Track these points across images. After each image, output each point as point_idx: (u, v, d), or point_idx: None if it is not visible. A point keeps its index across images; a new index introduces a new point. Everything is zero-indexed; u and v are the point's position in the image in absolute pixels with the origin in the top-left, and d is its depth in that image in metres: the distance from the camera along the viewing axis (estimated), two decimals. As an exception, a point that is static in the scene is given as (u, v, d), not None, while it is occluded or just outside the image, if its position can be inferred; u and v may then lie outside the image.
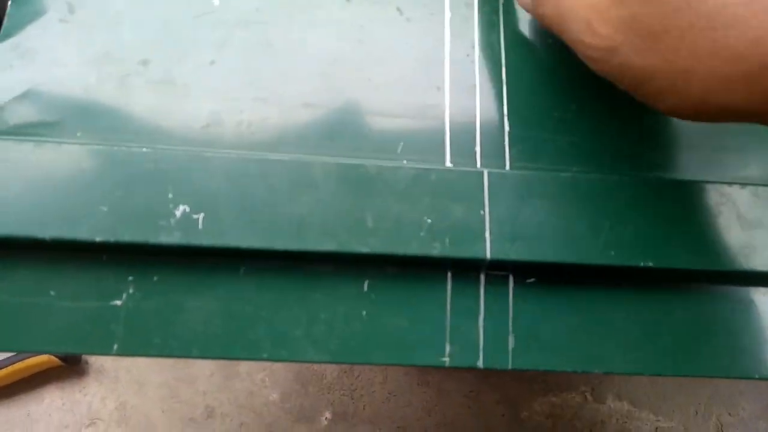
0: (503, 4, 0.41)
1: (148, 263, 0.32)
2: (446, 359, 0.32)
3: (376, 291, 0.33)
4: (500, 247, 0.33)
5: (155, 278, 0.32)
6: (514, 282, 0.33)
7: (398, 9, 0.40)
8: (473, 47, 0.40)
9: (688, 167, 0.38)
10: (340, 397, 0.63)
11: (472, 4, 0.41)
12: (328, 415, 0.62)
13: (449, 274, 0.33)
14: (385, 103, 0.37)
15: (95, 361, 0.67)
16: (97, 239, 0.31)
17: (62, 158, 0.32)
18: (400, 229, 0.32)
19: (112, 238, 0.31)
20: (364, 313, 0.32)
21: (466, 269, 0.33)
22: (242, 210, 0.32)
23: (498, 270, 0.33)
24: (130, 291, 0.32)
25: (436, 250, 0.32)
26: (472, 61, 0.39)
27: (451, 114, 0.38)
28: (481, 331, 0.32)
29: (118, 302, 0.32)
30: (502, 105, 0.38)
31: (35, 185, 0.32)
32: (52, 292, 0.32)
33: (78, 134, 0.34)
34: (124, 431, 0.63)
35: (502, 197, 0.34)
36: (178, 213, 0.32)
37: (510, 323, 0.33)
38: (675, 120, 0.39)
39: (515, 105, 0.38)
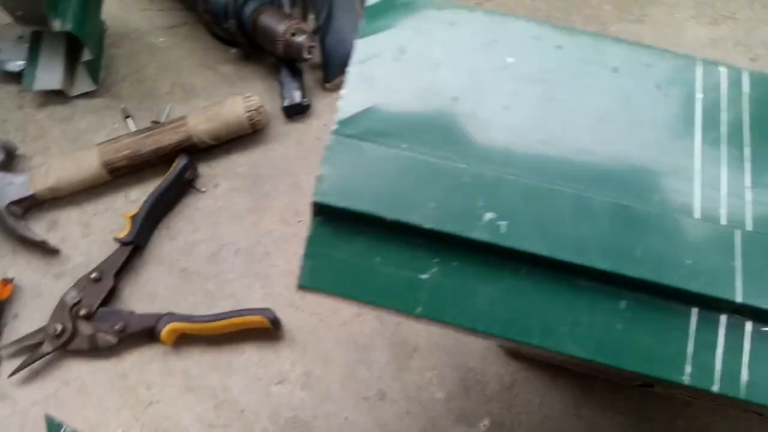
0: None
1: (453, 251, 0.41)
2: (686, 378, 0.38)
3: (632, 310, 0.40)
4: (750, 293, 0.39)
5: (455, 263, 0.41)
6: (753, 326, 0.39)
7: (657, 85, 0.48)
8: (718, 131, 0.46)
9: None
10: (498, 409, 0.70)
11: (718, 87, 0.48)
12: (486, 422, 0.69)
13: (696, 309, 0.40)
14: (643, 156, 0.45)
15: (290, 331, 0.78)
16: (425, 226, 0.41)
17: (399, 162, 0.43)
18: (662, 263, 0.40)
19: (436, 227, 0.41)
20: (619, 326, 0.40)
21: (713, 308, 0.39)
22: (536, 224, 0.41)
23: (739, 314, 0.39)
24: (434, 270, 0.41)
25: (692, 286, 0.39)
26: (718, 144, 0.46)
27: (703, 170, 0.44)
28: (718, 362, 0.39)
29: (426, 276, 0.41)
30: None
31: (380, 178, 0.42)
32: (378, 258, 0.42)
33: (403, 146, 0.45)
34: (307, 394, 0.74)
35: (753, 255, 0.40)
36: (486, 218, 0.41)
37: (745, 359, 0.39)
38: None
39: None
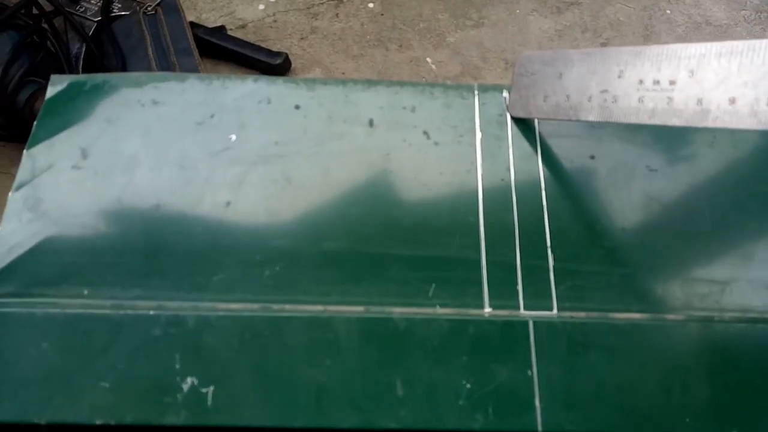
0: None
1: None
2: None
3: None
4: (553, 418, 0.28)
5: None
6: (573, 460, 0.29)
7: (425, 133, 0.38)
8: (509, 170, 0.36)
9: (766, 302, 0.33)
10: None
11: (505, 122, 0.38)
12: None
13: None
14: (413, 240, 0.34)
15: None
16: (97, 422, 0.28)
17: (66, 327, 0.30)
18: (434, 397, 0.28)
19: (112, 421, 0.28)
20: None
21: (514, 447, 0.28)
22: (256, 379, 0.28)
23: (552, 446, 0.29)
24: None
25: (477, 423, 0.28)
26: (509, 186, 0.36)
27: (487, 247, 0.34)
28: None
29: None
30: (544, 235, 0.34)
31: (37, 358, 0.29)
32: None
33: (85, 292, 0.32)
34: None
35: (551, 352, 0.30)
36: (185, 386, 0.28)
37: None
38: (756, 248, 0.34)
39: (558, 234, 0.34)
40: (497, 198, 0.35)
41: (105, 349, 0.29)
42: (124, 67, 0.87)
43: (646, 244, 0.34)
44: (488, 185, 0.36)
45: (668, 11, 1.03)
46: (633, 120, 0.28)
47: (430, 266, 0.33)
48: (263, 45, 0.95)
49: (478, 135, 0.37)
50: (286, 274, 0.33)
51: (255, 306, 0.32)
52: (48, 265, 0.33)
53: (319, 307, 0.32)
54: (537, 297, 0.33)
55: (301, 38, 0.97)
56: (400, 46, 0.95)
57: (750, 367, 0.30)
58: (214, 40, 0.96)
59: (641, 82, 0.27)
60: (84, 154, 0.36)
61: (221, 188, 0.35)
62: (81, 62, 0.92)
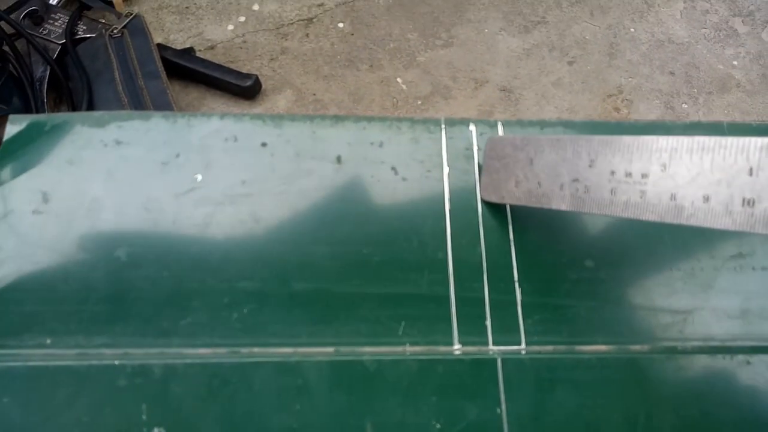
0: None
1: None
2: None
3: None
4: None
5: None
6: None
7: (393, 168, 0.38)
8: (476, 204, 0.37)
9: (728, 330, 0.34)
10: None
11: (471, 156, 0.38)
12: None
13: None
14: (382, 277, 0.34)
15: None
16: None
17: (29, 380, 0.29)
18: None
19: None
20: None
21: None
22: (225, 428, 0.28)
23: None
24: None
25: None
26: (476, 220, 0.36)
27: (456, 283, 0.34)
28: None
29: None
30: (512, 269, 0.35)
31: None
32: None
33: (48, 341, 0.31)
34: None
35: (520, 389, 0.30)
36: (152, 441, 0.28)
37: None
38: (717, 277, 0.35)
39: (525, 268, 0.35)
40: (465, 233, 0.36)
41: (69, 402, 0.29)
42: (89, 91, 0.85)
43: (611, 276, 0.35)
44: (456, 220, 0.36)
45: (632, 29, 1.06)
46: (607, 212, 0.27)
47: (400, 304, 0.33)
48: (233, 66, 0.94)
49: (446, 169, 0.38)
50: (254, 316, 0.32)
51: (223, 351, 0.31)
52: (9, 314, 0.32)
53: (289, 350, 0.31)
54: (505, 332, 0.33)
55: (271, 59, 0.96)
56: (371, 66, 0.95)
57: (712, 397, 0.31)
58: (182, 62, 0.96)
59: (613, 173, 0.27)
60: (45, 198, 0.35)
61: (187, 230, 0.35)
62: (45, 86, 0.90)
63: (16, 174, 0.36)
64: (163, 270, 0.34)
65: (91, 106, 0.83)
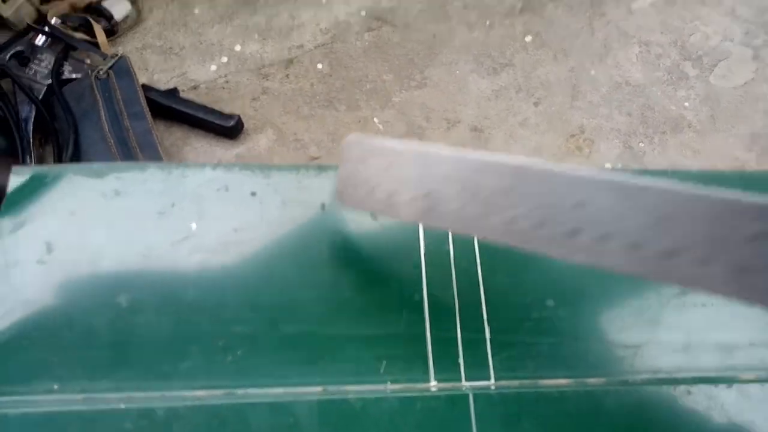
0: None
1: None
2: None
3: None
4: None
5: None
6: None
7: (372, 216, 0.41)
8: (448, 248, 0.40)
9: (673, 362, 0.38)
10: None
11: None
12: None
13: None
14: (363, 319, 0.37)
15: None
16: None
17: (40, 427, 0.31)
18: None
19: None
20: None
21: None
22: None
23: None
24: None
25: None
26: (449, 263, 0.40)
27: (431, 323, 0.38)
28: None
29: None
30: (481, 309, 0.38)
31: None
32: None
33: (55, 387, 0.33)
34: None
35: (490, 423, 0.33)
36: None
37: None
38: (663, 314, 0.39)
39: (493, 308, 0.38)
40: (439, 276, 0.39)
41: (75, 444, 0.31)
42: (76, 132, 0.87)
43: (570, 314, 0.39)
44: (430, 264, 0.40)
45: (592, 72, 1.13)
46: (454, 228, 0.28)
47: (381, 343, 0.37)
48: (216, 106, 0.98)
49: (421, 217, 0.42)
50: (247, 358, 0.35)
51: (219, 392, 0.34)
52: (17, 362, 0.34)
53: (280, 390, 0.34)
54: (477, 368, 0.36)
55: (253, 99, 1.00)
56: (349, 106, 1.00)
57: (659, 424, 0.35)
58: (167, 103, 0.99)
59: (463, 188, 0.27)
60: (49, 248, 0.38)
61: (184, 277, 0.38)
62: (31, 126, 0.92)
63: (20, 225, 0.39)
64: (162, 315, 0.36)
65: (77, 147, 0.85)
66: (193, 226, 0.40)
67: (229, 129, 0.96)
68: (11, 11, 1.14)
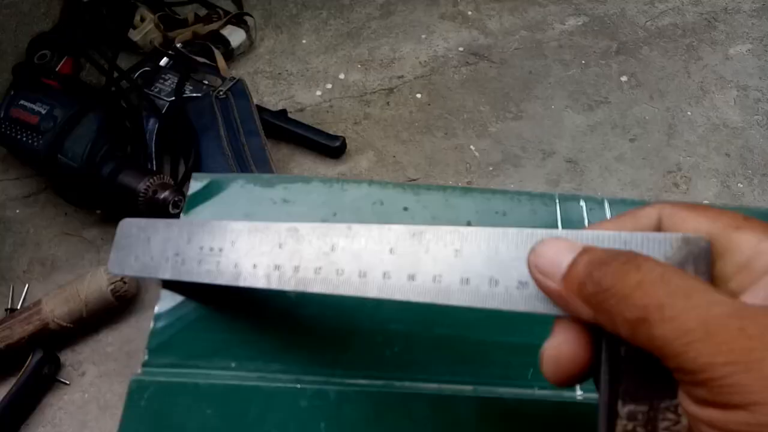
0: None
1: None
2: None
3: None
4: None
5: None
6: None
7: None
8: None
9: None
10: None
11: (583, 226, 0.44)
12: None
13: None
14: (511, 328, 0.40)
15: None
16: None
17: (226, 396, 0.35)
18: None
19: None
20: None
21: None
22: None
23: None
24: None
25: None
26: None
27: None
28: None
29: None
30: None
31: (202, 422, 0.34)
32: None
33: (233, 365, 0.37)
34: None
35: None
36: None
37: None
38: None
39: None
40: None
41: (261, 417, 0.35)
42: (197, 144, 0.95)
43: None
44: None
45: (689, 113, 1.12)
46: (196, 279, 0.35)
47: (528, 353, 0.39)
48: (320, 128, 1.04)
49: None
50: (403, 354, 0.38)
51: (380, 383, 0.37)
52: (201, 340, 0.38)
53: (434, 386, 0.37)
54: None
55: (355, 123, 1.06)
56: (446, 133, 1.04)
57: None
58: (278, 122, 1.06)
59: (201, 248, 0.35)
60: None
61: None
62: (154, 137, 1.01)
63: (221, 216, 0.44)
64: (326, 310, 0.40)
65: (197, 158, 0.93)
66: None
67: (333, 149, 1.02)
68: (140, 36, 1.26)
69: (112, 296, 0.78)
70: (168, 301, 0.40)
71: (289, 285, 0.31)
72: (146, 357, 0.38)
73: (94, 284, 0.77)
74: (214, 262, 0.34)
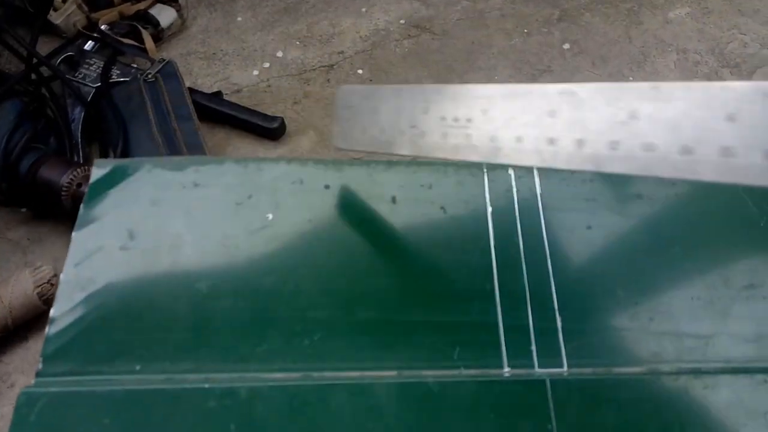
0: (540, 186, 0.43)
1: None
2: None
3: None
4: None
5: None
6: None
7: (442, 208, 0.42)
8: (517, 240, 0.41)
9: (745, 353, 0.38)
10: None
11: (512, 197, 0.43)
12: None
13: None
14: (436, 306, 0.38)
15: None
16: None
17: (126, 403, 0.32)
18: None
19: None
20: None
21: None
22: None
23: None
24: None
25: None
26: (519, 255, 0.40)
27: (503, 311, 0.38)
28: None
29: None
30: (552, 298, 0.39)
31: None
32: None
33: (137, 367, 0.34)
34: None
35: (568, 407, 0.34)
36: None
37: None
38: (733, 306, 0.39)
39: (564, 297, 0.39)
40: (509, 265, 0.40)
41: (165, 423, 0.32)
42: (125, 131, 0.90)
43: (641, 305, 0.39)
44: (500, 254, 0.40)
45: (631, 78, 1.13)
46: (440, 155, 0.29)
47: (454, 331, 0.37)
48: (258, 109, 1.00)
49: (489, 209, 0.42)
50: (324, 343, 0.36)
51: (297, 375, 0.35)
52: (101, 342, 0.35)
53: (356, 374, 0.35)
54: (549, 355, 0.37)
55: (295, 102, 1.02)
56: (389, 109, 1.01)
57: (735, 412, 0.35)
58: (212, 105, 1.01)
59: (443, 118, 0.29)
60: (131, 235, 0.39)
61: (261, 264, 0.39)
62: (80, 127, 0.95)
63: (103, 213, 0.40)
64: (240, 301, 0.37)
65: (126, 146, 0.88)
66: (270, 216, 0.41)
67: (272, 130, 0.98)
68: (62, 19, 1.18)
69: (39, 300, 0.73)
70: (65, 301, 0.36)
71: (573, 164, 0.24)
72: (41, 366, 0.34)
73: (18, 288, 0.72)
74: (462, 135, 0.28)
